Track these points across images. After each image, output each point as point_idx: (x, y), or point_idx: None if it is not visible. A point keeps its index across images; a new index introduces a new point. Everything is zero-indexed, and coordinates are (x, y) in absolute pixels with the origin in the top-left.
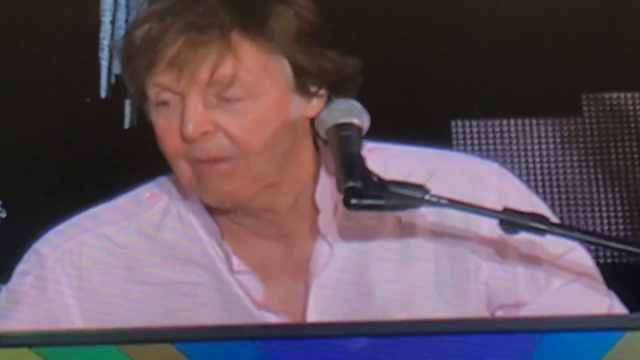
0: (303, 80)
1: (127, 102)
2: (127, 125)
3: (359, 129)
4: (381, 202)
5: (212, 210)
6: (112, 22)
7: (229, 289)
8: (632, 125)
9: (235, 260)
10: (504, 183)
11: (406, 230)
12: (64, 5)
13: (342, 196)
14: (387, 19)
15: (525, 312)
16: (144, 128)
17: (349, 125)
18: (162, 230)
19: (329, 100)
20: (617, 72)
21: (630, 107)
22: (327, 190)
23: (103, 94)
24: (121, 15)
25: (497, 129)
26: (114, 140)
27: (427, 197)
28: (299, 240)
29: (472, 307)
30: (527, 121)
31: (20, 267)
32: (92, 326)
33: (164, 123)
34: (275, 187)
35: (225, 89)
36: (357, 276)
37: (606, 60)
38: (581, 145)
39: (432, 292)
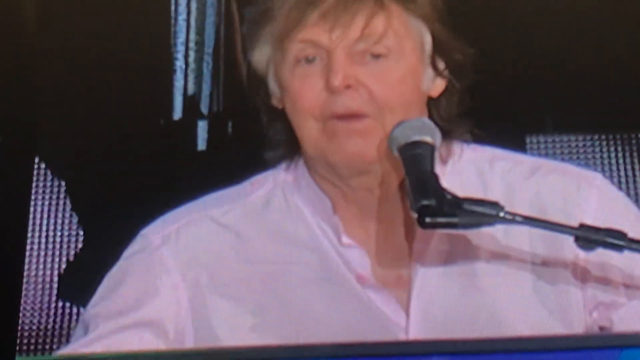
0: (438, 52)
1: (200, 124)
2: (200, 147)
3: (432, 146)
4: (455, 220)
5: (323, 187)
6: (185, 44)
7: (333, 267)
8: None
9: (344, 235)
10: (608, 189)
11: (510, 236)
12: (137, 26)
13: (415, 215)
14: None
15: (619, 314)
16: (217, 149)
17: (422, 143)
18: (267, 210)
19: (448, 86)
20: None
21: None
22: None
23: (176, 115)
24: (192, 36)
25: (572, 144)
26: (186, 162)
27: (501, 214)
28: (407, 221)
29: (571, 312)
30: (602, 136)
31: (127, 251)
32: (197, 306)
33: (302, 80)
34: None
35: (373, 45)
36: (462, 265)
37: None
38: None
39: (533, 296)
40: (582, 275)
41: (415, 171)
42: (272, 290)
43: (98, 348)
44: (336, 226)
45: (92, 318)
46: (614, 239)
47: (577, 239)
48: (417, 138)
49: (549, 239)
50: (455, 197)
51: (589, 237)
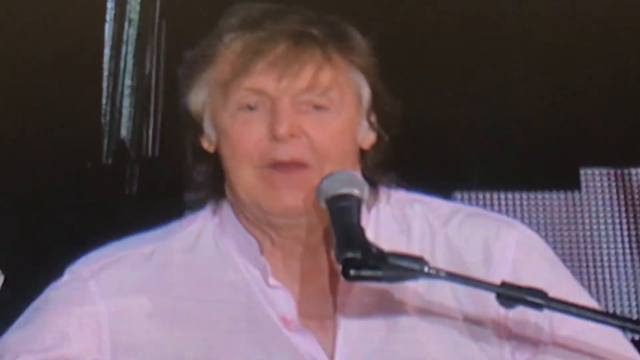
0: (374, 105)
1: (129, 168)
2: (128, 191)
3: (359, 199)
4: (379, 273)
5: (250, 230)
6: (114, 88)
7: (259, 308)
8: (629, 200)
9: (271, 277)
10: (527, 232)
11: (435, 290)
12: (68, 70)
13: (340, 267)
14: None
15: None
16: (146, 193)
17: (349, 196)
18: (196, 249)
19: (377, 141)
20: (615, 147)
21: (627, 183)
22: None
23: (104, 159)
24: (122, 80)
25: (495, 202)
26: (115, 206)
27: (426, 269)
28: (332, 272)
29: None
30: (524, 195)
31: (53, 284)
32: (118, 341)
33: (243, 126)
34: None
35: (317, 96)
36: (386, 318)
37: (605, 135)
38: (579, 220)
39: (454, 352)
40: (506, 331)
41: (342, 223)
42: (197, 328)
43: None
44: (263, 267)
45: (9, 348)
46: (534, 297)
47: (499, 296)
48: (344, 191)
49: (474, 294)
50: (380, 251)
51: (511, 295)
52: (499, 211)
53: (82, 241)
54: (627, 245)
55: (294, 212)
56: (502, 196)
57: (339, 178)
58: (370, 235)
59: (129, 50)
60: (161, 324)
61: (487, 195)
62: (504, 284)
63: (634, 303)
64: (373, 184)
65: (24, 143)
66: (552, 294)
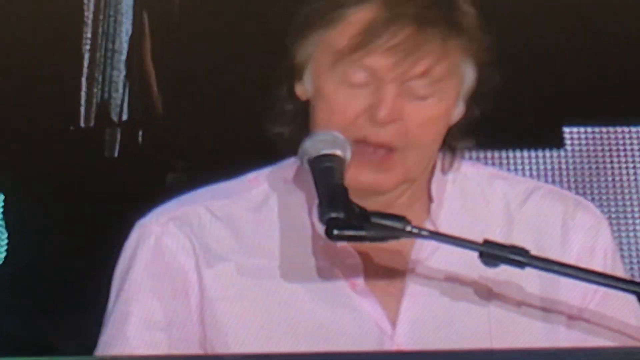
0: (478, 85)
1: (111, 132)
2: (110, 154)
3: (342, 160)
4: (363, 232)
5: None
6: (94, 51)
7: (327, 268)
8: (614, 160)
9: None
10: (600, 218)
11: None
12: (48, 33)
13: (324, 226)
14: None
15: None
16: (126, 158)
17: (332, 157)
18: (264, 209)
19: (465, 114)
20: (599, 106)
21: (613, 142)
22: (439, 183)
23: (87, 123)
24: (102, 43)
25: (481, 160)
26: (95, 169)
27: (408, 228)
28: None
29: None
30: (509, 154)
31: (126, 245)
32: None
33: (346, 99)
34: (410, 183)
35: (423, 87)
36: (451, 288)
37: (588, 94)
38: (564, 179)
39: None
40: (575, 317)
41: (325, 184)
42: (266, 287)
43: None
44: None
45: (123, 320)
46: (516, 255)
47: (481, 255)
48: (327, 151)
49: (551, 280)
50: (363, 210)
51: (493, 253)
52: None
53: (62, 203)
54: (612, 204)
55: (371, 190)
56: (489, 155)
57: (321, 138)
58: (455, 208)
59: (109, 13)
60: (234, 279)
61: (473, 154)
62: (486, 242)
63: None
64: (449, 146)
65: (4, 105)
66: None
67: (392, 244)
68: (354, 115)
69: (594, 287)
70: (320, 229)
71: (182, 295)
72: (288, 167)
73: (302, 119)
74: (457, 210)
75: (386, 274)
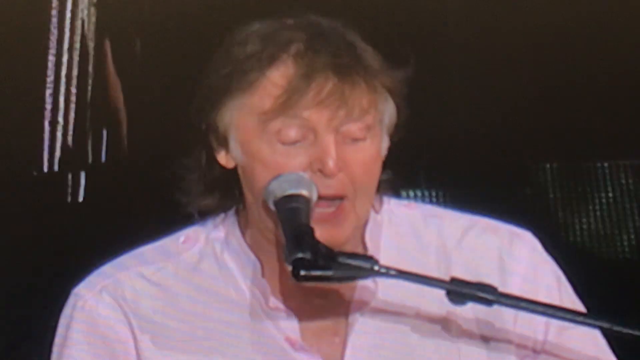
0: (398, 121)
1: (76, 176)
2: (73, 199)
3: (308, 200)
4: (330, 273)
5: (253, 249)
6: (57, 96)
7: (263, 328)
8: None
9: (272, 298)
10: (537, 246)
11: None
12: (11, 75)
13: (290, 267)
14: None
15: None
16: (93, 201)
17: (298, 197)
18: (198, 270)
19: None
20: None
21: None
22: (373, 232)
23: (51, 167)
24: (65, 88)
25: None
26: (61, 214)
27: (376, 267)
28: (343, 290)
29: None
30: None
31: (63, 314)
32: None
33: (286, 159)
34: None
35: (358, 130)
36: (398, 324)
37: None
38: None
39: None
40: (515, 345)
41: (291, 224)
42: (202, 349)
43: None
44: (264, 289)
45: None
46: (484, 293)
47: (449, 293)
48: (293, 191)
49: (491, 313)
50: (329, 250)
51: (460, 291)
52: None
53: (28, 250)
54: None
55: (333, 241)
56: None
57: (287, 179)
58: (391, 251)
59: (72, 57)
60: (169, 342)
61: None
62: (453, 280)
63: None
64: (380, 187)
65: None
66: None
67: (325, 297)
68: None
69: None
70: (253, 294)
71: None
72: (219, 224)
73: (228, 186)
74: (394, 257)
75: (324, 325)
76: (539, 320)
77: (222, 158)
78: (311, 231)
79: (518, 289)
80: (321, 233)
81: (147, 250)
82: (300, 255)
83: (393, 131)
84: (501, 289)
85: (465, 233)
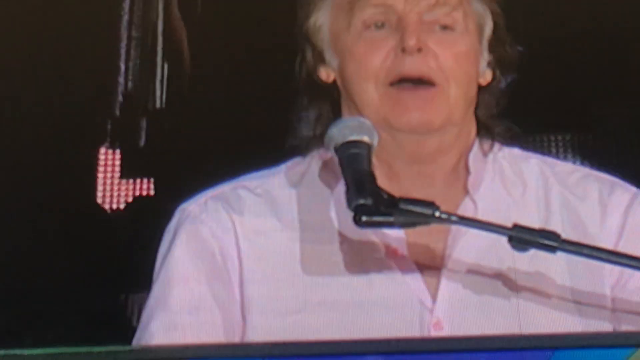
0: (494, 40)
1: (139, 121)
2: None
3: (369, 146)
4: (391, 219)
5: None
6: (119, 41)
7: (366, 239)
8: None
9: None
10: (638, 197)
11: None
12: (74, 23)
13: (352, 213)
14: None
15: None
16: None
17: (359, 143)
18: (301, 184)
19: (492, 82)
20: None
21: None
22: (478, 156)
23: (116, 112)
24: (127, 32)
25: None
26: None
27: (437, 214)
28: (447, 199)
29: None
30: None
31: (167, 229)
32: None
33: (370, 43)
34: (458, 129)
35: (443, 16)
36: (497, 246)
37: None
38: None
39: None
40: (612, 307)
41: (352, 170)
42: (305, 259)
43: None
44: None
45: (160, 305)
46: (547, 240)
47: (511, 239)
48: (354, 137)
49: (590, 269)
50: (391, 197)
51: (523, 237)
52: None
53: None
54: None
55: (423, 128)
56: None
57: (348, 125)
58: (495, 185)
59: (135, 1)
60: (267, 253)
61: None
62: (515, 226)
63: None
64: (487, 128)
65: (36, 99)
66: None
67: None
68: (384, 55)
69: (629, 271)
70: None
71: (222, 273)
72: (323, 152)
73: (332, 105)
74: (496, 188)
75: (426, 249)
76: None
77: (323, 73)
78: (373, 177)
79: (616, 234)
80: (412, 117)
81: (251, 174)
82: (361, 201)
83: (501, 65)
84: (600, 234)
85: (567, 176)
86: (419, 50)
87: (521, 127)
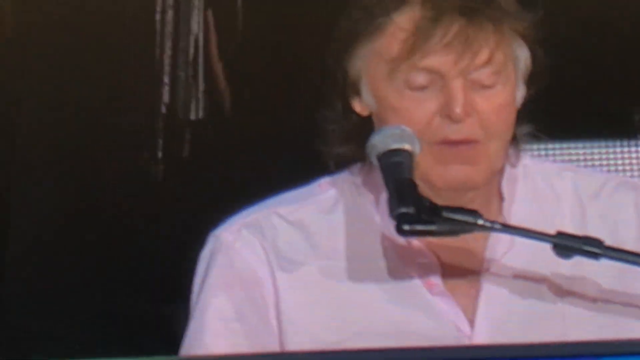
0: (532, 73)
1: (182, 131)
2: (182, 153)
3: (411, 154)
4: (433, 227)
5: None
6: (160, 53)
7: (401, 269)
8: None
9: (414, 241)
10: None
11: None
12: (116, 34)
13: (394, 222)
14: None
15: None
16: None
17: (401, 151)
18: (336, 210)
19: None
20: None
21: None
22: (509, 182)
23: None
24: (168, 44)
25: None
26: (170, 169)
27: (480, 222)
28: (481, 234)
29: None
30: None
31: (201, 257)
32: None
33: (415, 104)
34: (495, 175)
35: (487, 76)
36: (532, 285)
37: None
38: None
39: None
40: None
41: (394, 179)
42: (340, 289)
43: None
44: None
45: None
46: (590, 246)
47: (555, 247)
48: (396, 146)
49: (624, 275)
50: (433, 205)
51: (567, 244)
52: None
53: (134, 205)
54: None
55: (463, 186)
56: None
57: (390, 133)
58: (529, 206)
59: (179, 13)
60: (303, 282)
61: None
62: (559, 234)
63: None
64: (514, 137)
65: (79, 111)
66: None
67: (464, 243)
68: (427, 119)
69: None
70: (392, 229)
71: (258, 301)
72: (356, 172)
73: (364, 135)
74: (528, 207)
75: (461, 273)
76: None
77: (357, 105)
78: (414, 185)
79: None
80: (456, 174)
81: (286, 194)
82: (403, 210)
83: (530, 79)
84: (638, 241)
85: (602, 187)
86: (467, 115)
87: (560, 136)
